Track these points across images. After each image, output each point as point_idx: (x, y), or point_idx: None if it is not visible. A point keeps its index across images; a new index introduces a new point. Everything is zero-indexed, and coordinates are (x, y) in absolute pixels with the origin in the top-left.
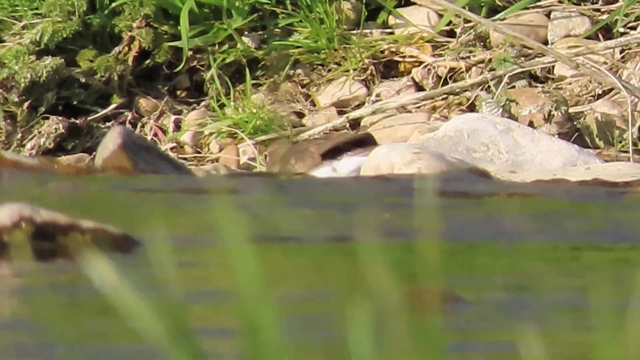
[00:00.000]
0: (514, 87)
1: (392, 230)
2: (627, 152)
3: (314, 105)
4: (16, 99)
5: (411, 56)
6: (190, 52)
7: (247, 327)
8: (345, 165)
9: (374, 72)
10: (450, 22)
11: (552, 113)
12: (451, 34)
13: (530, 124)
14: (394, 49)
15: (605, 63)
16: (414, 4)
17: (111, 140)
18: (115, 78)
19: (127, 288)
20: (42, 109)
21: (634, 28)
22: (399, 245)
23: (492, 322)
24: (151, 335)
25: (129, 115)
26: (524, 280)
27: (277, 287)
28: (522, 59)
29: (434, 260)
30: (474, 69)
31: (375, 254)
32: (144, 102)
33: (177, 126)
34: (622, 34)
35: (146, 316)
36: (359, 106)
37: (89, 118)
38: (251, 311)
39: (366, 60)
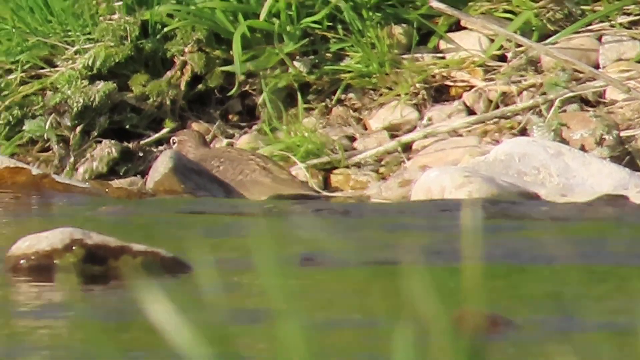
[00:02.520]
0: (565, 111)
1: (440, 253)
2: None
3: (366, 129)
4: (69, 124)
5: (462, 80)
6: (242, 77)
7: (282, 350)
8: None
9: (426, 96)
10: (501, 47)
11: (603, 137)
12: (502, 58)
13: (582, 148)
14: (445, 73)
15: None
16: (465, 28)
17: (162, 164)
18: (168, 102)
19: (175, 312)
20: (95, 133)
21: None
22: (447, 268)
23: (539, 346)
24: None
25: None
26: (572, 302)
27: (322, 311)
28: (574, 82)
29: (480, 283)
30: (525, 92)
31: (422, 277)
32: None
33: None
34: None
35: (192, 340)
36: (410, 130)
37: (141, 142)
38: (285, 335)
39: (417, 85)
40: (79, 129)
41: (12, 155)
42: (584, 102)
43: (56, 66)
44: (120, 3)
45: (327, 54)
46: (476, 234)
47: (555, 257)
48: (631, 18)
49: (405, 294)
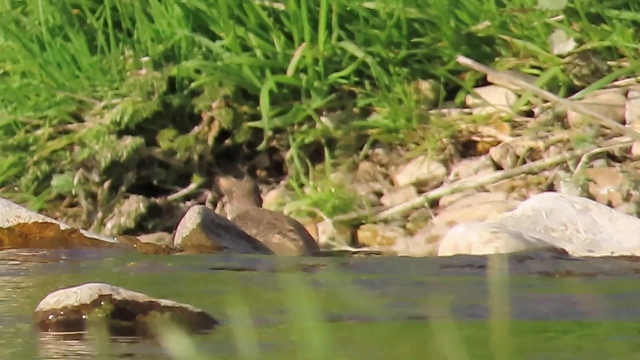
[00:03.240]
0: (592, 166)
1: (468, 309)
2: None
3: (393, 185)
4: (97, 179)
5: (489, 135)
6: (270, 132)
7: None
8: None
9: (453, 152)
10: (528, 102)
11: (630, 192)
12: (529, 113)
13: (609, 203)
14: (472, 129)
15: None
16: (492, 84)
17: (190, 220)
18: (195, 158)
19: None
20: (123, 189)
21: None
22: (474, 324)
23: None
24: None
25: (208, 194)
26: (597, 358)
27: None
28: (600, 138)
29: (507, 339)
30: (552, 148)
31: (449, 333)
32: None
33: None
34: None
35: None
36: (437, 185)
37: (169, 197)
38: None
39: (444, 140)
40: (107, 184)
41: (40, 211)
42: (611, 157)
43: (84, 121)
44: (148, 58)
45: (355, 110)
46: (504, 290)
47: (586, 312)
48: None
49: (436, 350)
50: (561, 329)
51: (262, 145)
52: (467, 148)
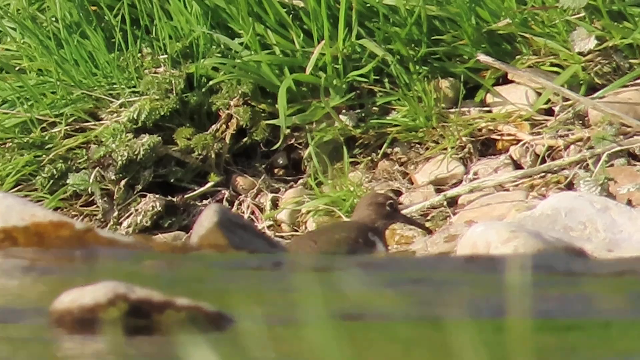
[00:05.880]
0: (612, 165)
1: (484, 309)
2: None
3: (412, 184)
4: (113, 177)
5: (509, 134)
6: (288, 130)
7: None
8: None
9: (472, 150)
10: (548, 100)
11: None
12: (549, 112)
13: (628, 202)
14: (491, 127)
15: None
16: (512, 82)
17: (207, 218)
18: (213, 156)
19: None
20: (139, 187)
21: None
22: (492, 323)
23: None
24: None
25: (225, 193)
26: (618, 358)
27: None
28: (621, 137)
29: (526, 339)
30: (572, 147)
31: (467, 333)
32: (241, 180)
33: (275, 204)
34: None
35: None
36: (456, 184)
37: (186, 196)
38: None
39: (464, 139)
40: (123, 182)
41: (55, 209)
42: (632, 156)
43: (101, 119)
44: (166, 56)
45: (374, 108)
46: (523, 289)
47: (605, 312)
48: None
49: (454, 349)
50: (584, 329)
51: (280, 143)
52: (487, 147)
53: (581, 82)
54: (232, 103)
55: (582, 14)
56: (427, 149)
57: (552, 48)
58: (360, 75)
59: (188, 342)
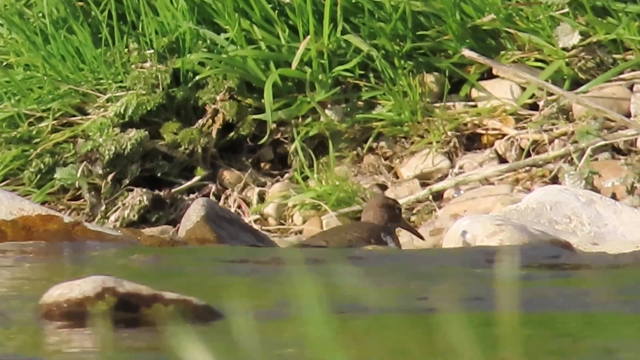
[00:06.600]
0: (596, 159)
1: (475, 301)
2: None
3: (397, 178)
4: (100, 172)
5: (494, 129)
6: (274, 125)
7: None
8: None
9: (457, 145)
10: (533, 95)
11: (634, 185)
12: (534, 106)
13: (613, 196)
14: (477, 122)
15: None
16: (497, 77)
17: (194, 212)
18: (199, 150)
19: (210, 358)
20: (126, 181)
21: None
22: (481, 316)
23: None
24: None
25: (212, 187)
26: (604, 351)
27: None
28: (605, 131)
29: (515, 331)
30: (556, 141)
31: (457, 326)
32: (227, 175)
33: (261, 198)
34: None
35: None
36: (441, 178)
37: (173, 190)
38: None
39: (449, 133)
40: (110, 177)
41: (43, 204)
42: (616, 150)
43: (88, 114)
44: (152, 51)
45: (359, 103)
46: (511, 282)
47: (590, 305)
48: None
49: (444, 342)
50: (570, 321)
51: (266, 138)
52: (472, 141)
53: (565, 77)
54: (218, 98)
55: (566, 10)
56: (412, 143)
57: (536, 43)
58: (346, 70)
59: (177, 335)
